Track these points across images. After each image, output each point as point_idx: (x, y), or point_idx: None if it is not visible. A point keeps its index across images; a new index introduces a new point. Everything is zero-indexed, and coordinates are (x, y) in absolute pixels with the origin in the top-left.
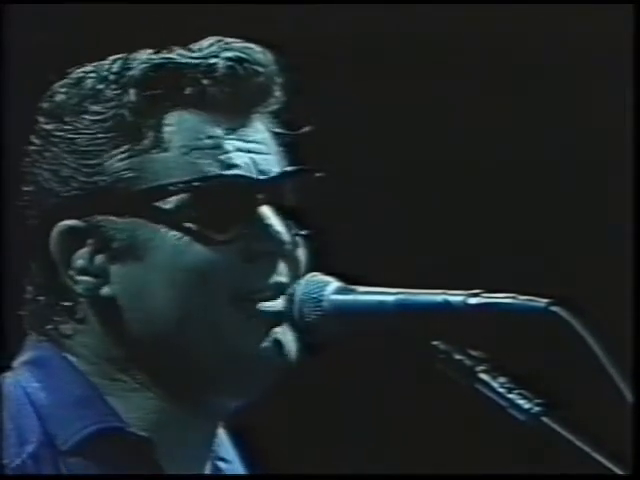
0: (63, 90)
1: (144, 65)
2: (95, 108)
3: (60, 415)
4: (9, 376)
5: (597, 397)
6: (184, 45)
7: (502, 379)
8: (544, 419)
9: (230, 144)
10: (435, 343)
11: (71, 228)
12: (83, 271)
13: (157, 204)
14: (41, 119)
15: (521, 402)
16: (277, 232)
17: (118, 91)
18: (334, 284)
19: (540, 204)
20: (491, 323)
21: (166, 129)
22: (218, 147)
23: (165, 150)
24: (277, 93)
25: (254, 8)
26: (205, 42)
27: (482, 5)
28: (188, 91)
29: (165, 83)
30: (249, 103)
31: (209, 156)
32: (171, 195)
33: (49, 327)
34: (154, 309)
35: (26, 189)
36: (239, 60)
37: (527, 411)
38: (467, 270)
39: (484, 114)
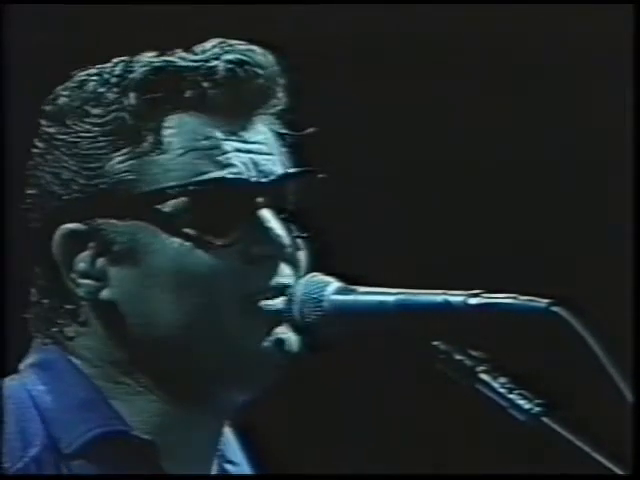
0: (66, 93)
1: (144, 68)
2: (96, 111)
3: (64, 418)
4: (15, 379)
5: (597, 397)
6: (183, 44)
7: (502, 379)
8: (544, 419)
9: (229, 145)
10: (435, 343)
11: (72, 231)
12: (84, 274)
13: (157, 207)
14: (44, 122)
15: (521, 402)
16: (277, 235)
17: (119, 94)
18: (334, 284)
19: (540, 204)
20: (491, 323)
21: (166, 132)
22: (216, 148)
23: (164, 152)
24: (279, 95)
25: (256, 8)
26: (208, 44)
27: (482, 5)
28: (188, 94)
29: (165, 86)
30: (250, 105)
31: (207, 157)
32: (170, 198)
33: (54, 330)
34: (154, 312)
35: (29, 192)
36: (239, 62)
37: (527, 411)
38: (467, 270)
39: (484, 114)
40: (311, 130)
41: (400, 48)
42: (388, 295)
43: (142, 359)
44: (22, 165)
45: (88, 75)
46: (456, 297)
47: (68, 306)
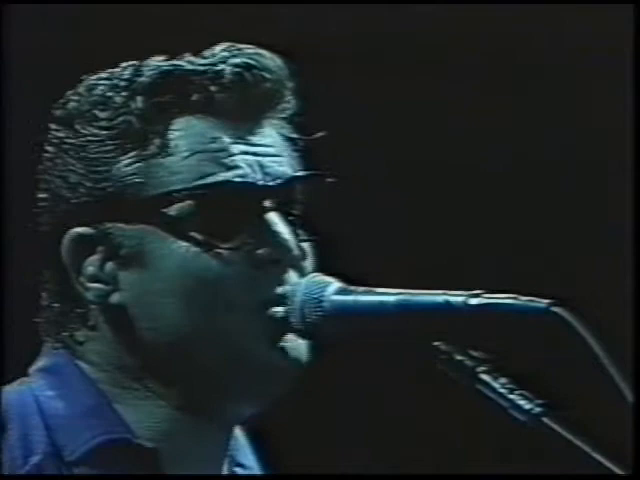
0: (75, 97)
1: (152, 72)
2: (104, 115)
3: (69, 425)
4: (24, 382)
5: (597, 397)
6: (182, 43)
7: (503, 380)
8: (545, 419)
9: (236, 148)
10: (436, 344)
11: (81, 235)
12: (93, 278)
13: (163, 211)
14: (53, 126)
15: (522, 403)
16: (284, 240)
17: (126, 98)
18: (335, 285)
19: (540, 204)
20: (492, 323)
21: (172, 135)
22: (223, 150)
23: (170, 155)
24: (287, 99)
25: (263, 10)
26: (217, 48)
27: (482, 5)
28: (195, 97)
29: (172, 90)
30: (258, 109)
31: (213, 159)
32: (176, 202)
33: (64, 334)
34: (162, 316)
35: (39, 196)
36: (247, 66)
37: (528, 412)
38: (467, 270)
39: (484, 114)
40: (320, 134)
41: (401, 49)
42: (388, 295)
43: (150, 364)
44: (22, 165)
45: (97, 79)
46: (456, 297)
47: (78, 310)
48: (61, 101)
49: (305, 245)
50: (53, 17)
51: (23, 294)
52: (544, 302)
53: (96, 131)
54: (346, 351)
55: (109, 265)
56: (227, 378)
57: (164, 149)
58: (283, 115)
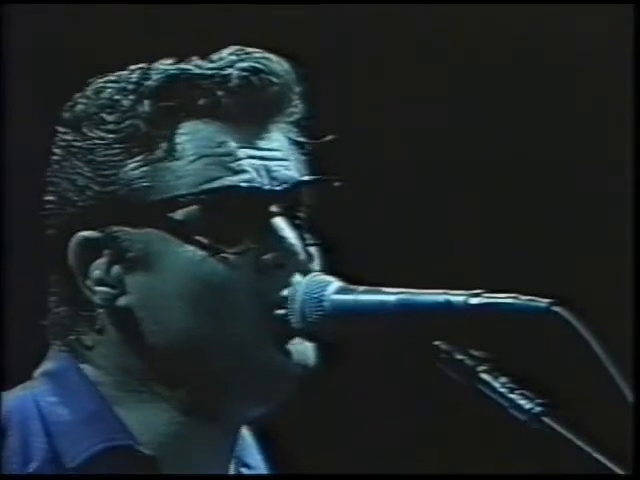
0: (83, 100)
1: (159, 76)
2: (111, 118)
3: (70, 432)
4: (27, 387)
5: (597, 397)
6: (182, 43)
7: (503, 379)
8: (545, 419)
9: (242, 152)
10: (436, 343)
11: (88, 239)
12: (100, 282)
13: (170, 215)
14: (61, 129)
15: (522, 402)
16: (290, 244)
17: (134, 101)
18: (335, 284)
19: (540, 204)
20: (492, 323)
21: (179, 139)
22: (229, 155)
23: (177, 159)
24: (295, 103)
25: (266, 10)
26: (224, 51)
27: (482, 5)
28: (202, 101)
29: (179, 94)
30: (265, 113)
31: (219, 163)
32: (182, 206)
33: (71, 337)
34: (168, 320)
35: (47, 198)
36: (254, 71)
37: (528, 411)
38: (467, 270)
39: (483, 114)
40: (329, 138)
41: (402, 51)
42: (389, 295)
43: (156, 367)
44: (22, 165)
45: (105, 82)
46: (457, 297)
47: (84, 313)
48: (69, 104)
49: (312, 249)
50: (53, 17)
51: (30, 297)
52: (544, 302)
53: (103, 134)
54: (346, 351)
55: (115, 268)
56: (233, 381)
57: (171, 153)
58: (290, 119)
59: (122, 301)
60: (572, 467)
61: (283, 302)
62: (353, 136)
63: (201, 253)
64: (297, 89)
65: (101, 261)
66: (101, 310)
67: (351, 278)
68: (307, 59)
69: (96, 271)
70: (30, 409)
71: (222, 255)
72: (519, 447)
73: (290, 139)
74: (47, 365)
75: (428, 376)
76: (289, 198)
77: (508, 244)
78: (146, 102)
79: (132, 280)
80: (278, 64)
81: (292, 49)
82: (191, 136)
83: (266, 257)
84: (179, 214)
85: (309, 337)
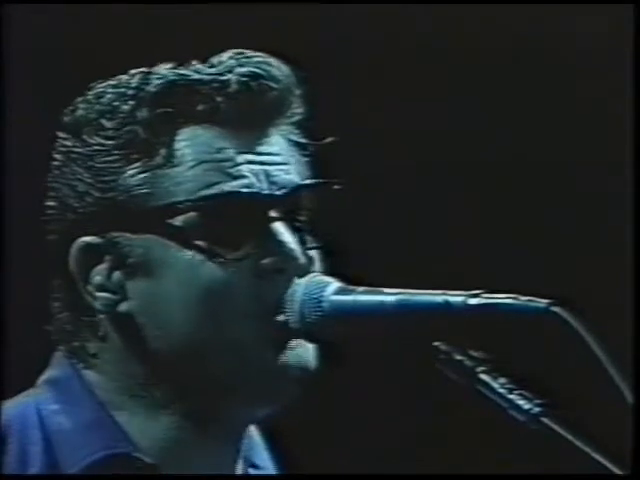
0: (83, 105)
1: (158, 81)
2: (110, 124)
3: (70, 440)
4: (30, 395)
5: (597, 397)
6: (183, 43)
7: (502, 380)
8: (544, 419)
9: (241, 157)
10: (435, 344)
11: (88, 245)
12: (101, 287)
13: (169, 221)
14: (61, 134)
15: (521, 403)
16: (289, 249)
17: (133, 107)
18: (334, 284)
19: (540, 204)
20: (491, 323)
21: (178, 145)
22: (228, 160)
23: (176, 165)
24: (295, 105)
25: (262, 9)
26: (224, 55)
27: (482, 5)
28: (201, 107)
29: (178, 100)
30: (265, 117)
31: (218, 169)
32: (181, 212)
33: (76, 344)
34: (169, 325)
35: (48, 204)
36: (253, 76)
37: (527, 412)
38: (467, 270)
39: (483, 115)
40: (331, 139)
41: (402, 51)
42: (388, 295)
43: (157, 371)
44: (22, 165)
45: (105, 87)
46: (456, 297)
47: (86, 319)
48: (70, 108)
49: (313, 252)
50: (53, 17)
51: (31, 302)
52: (544, 302)
53: (103, 141)
54: (345, 351)
55: (116, 274)
56: (233, 385)
57: (170, 159)
58: (291, 120)
59: (123, 307)
60: (572, 467)
61: (283, 306)
62: (353, 136)
63: (201, 258)
64: (297, 92)
65: (102, 267)
66: (102, 316)
67: (350, 278)
68: (307, 59)
69: (97, 277)
70: (31, 417)
71: (221, 260)
72: (519, 447)
73: (291, 141)
74: (50, 372)
75: (428, 376)
76: (289, 202)
77: (508, 244)
78: (145, 108)
79: (133, 286)
80: (278, 69)
81: (292, 49)
82: (190, 142)
83: (265, 262)
84: (178, 220)
85: (308, 338)
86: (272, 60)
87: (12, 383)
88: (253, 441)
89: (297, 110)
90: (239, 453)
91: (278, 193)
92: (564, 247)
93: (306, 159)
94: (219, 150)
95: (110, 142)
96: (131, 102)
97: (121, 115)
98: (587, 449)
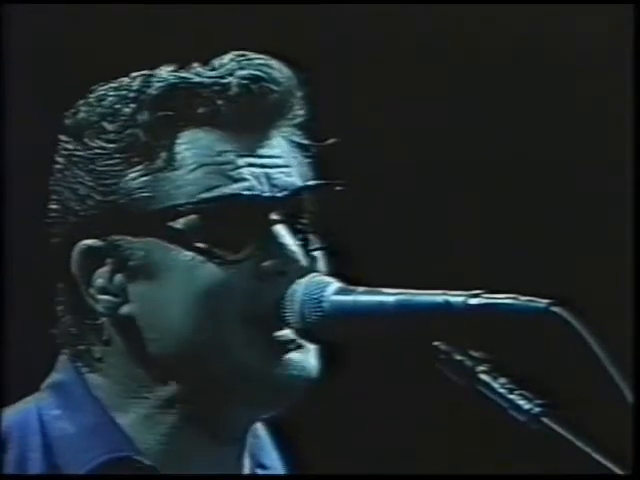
0: (84, 108)
1: (158, 84)
2: (112, 127)
3: (72, 445)
4: (33, 400)
5: (597, 397)
6: (182, 44)
7: (502, 380)
8: (544, 419)
9: (242, 160)
10: (436, 344)
11: (90, 248)
12: (103, 290)
13: (170, 224)
14: (63, 137)
15: (521, 403)
16: (291, 251)
17: (134, 110)
18: (334, 285)
19: (540, 204)
20: (491, 323)
21: (179, 148)
22: (229, 163)
23: (176, 168)
24: (296, 107)
25: (262, 9)
26: (225, 58)
27: (482, 5)
28: (202, 110)
29: (179, 103)
30: (265, 120)
31: (218, 172)
32: (181, 215)
33: (81, 347)
34: (170, 328)
35: (50, 207)
36: (254, 79)
37: (527, 412)
38: (467, 270)
39: (483, 114)
40: (333, 140)
41: (402, 51)
42: (388, 295)
43: (159, 373)
44: (22, 166)
45: (107, 90)
46: (456, 297)
47: (90, 322)
48: (71, 110)
49: (315, 254)
50: (53, 17)
51: (31, 306)
52: (544, 302)
53: (104, 144)
54: (345, 351)
55: (118, 277)
56: (234, 387)
57: (170, 162)
58: (293, 122)
59: (125, 309)
60: (572, 467)
61: (283, 308)
62: (353, 136)
63: (201, 261)
64: (298, 94)
65: (104, 270)
66: (104, 319)
67: (351, 279)
68: (307, 60)
69: (99, 280)
70: (32, 423)
71: (222, 263)
72: (519, 447)
73: (292, 142)
74: (55, 376)
75: (428, 376)
76: (290, 204)
77: (508, 244)
78: (146, 111)
79: (134, 288)
80: (279, 71)
81: (292, 49)
82: (191, 145)
83: (266, 264)
84: (179, 223)
85: (309, 338)
86: (273, 62)
87: (13, 388)
88: (262, 441)
89: (298, 112)
90: (243, 454)
91: (279, 195)
92: (564, 247)
93: (308, 160)
94: (220, 153)
95: (111, 145)
96: (132, 105)
97: (122, 118)
98: (587, 449)
